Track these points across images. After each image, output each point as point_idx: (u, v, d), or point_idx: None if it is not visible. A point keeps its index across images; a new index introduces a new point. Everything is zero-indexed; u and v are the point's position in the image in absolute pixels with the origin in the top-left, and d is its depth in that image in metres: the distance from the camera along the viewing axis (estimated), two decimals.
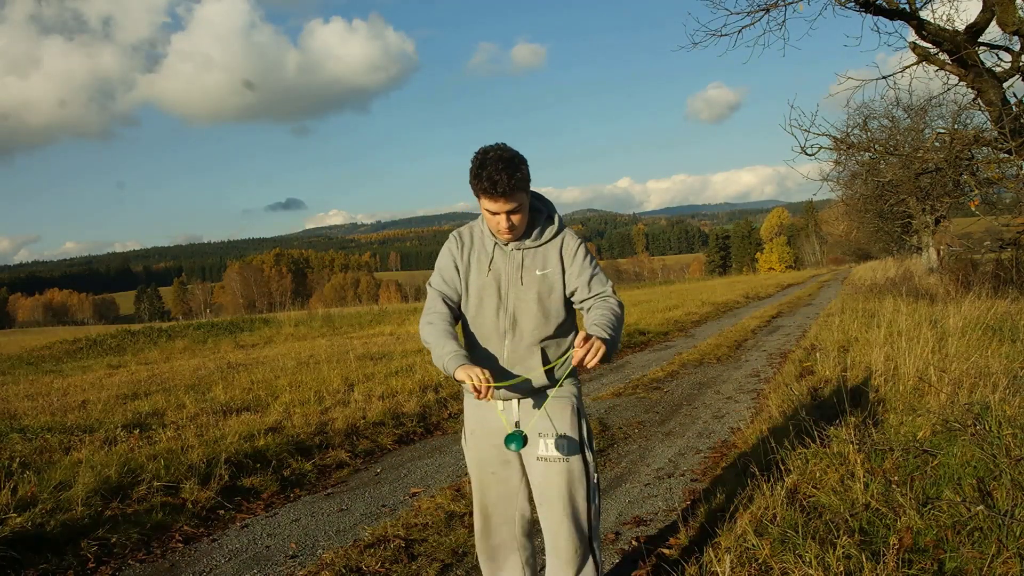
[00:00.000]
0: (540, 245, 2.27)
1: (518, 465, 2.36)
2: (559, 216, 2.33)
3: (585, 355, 1.98)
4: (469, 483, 4.29)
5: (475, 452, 2.40)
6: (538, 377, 2.24)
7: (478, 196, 2.16)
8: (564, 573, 2.31)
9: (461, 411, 6.42)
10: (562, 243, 2.29)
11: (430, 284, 2.35)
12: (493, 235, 2.27)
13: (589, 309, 2.27)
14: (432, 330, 2.24)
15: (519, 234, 2.24)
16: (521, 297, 2.25)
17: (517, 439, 2.09)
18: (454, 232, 2.39)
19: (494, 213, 2.15)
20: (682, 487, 4.25)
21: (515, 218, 2.17)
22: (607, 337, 2.07)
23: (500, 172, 2.07)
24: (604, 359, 2.02)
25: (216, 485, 4.41)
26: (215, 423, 5.80)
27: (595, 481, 2.33)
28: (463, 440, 2.47)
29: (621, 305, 2.26)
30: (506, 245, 2.27)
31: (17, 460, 4.47)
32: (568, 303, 2.30)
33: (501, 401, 2.29)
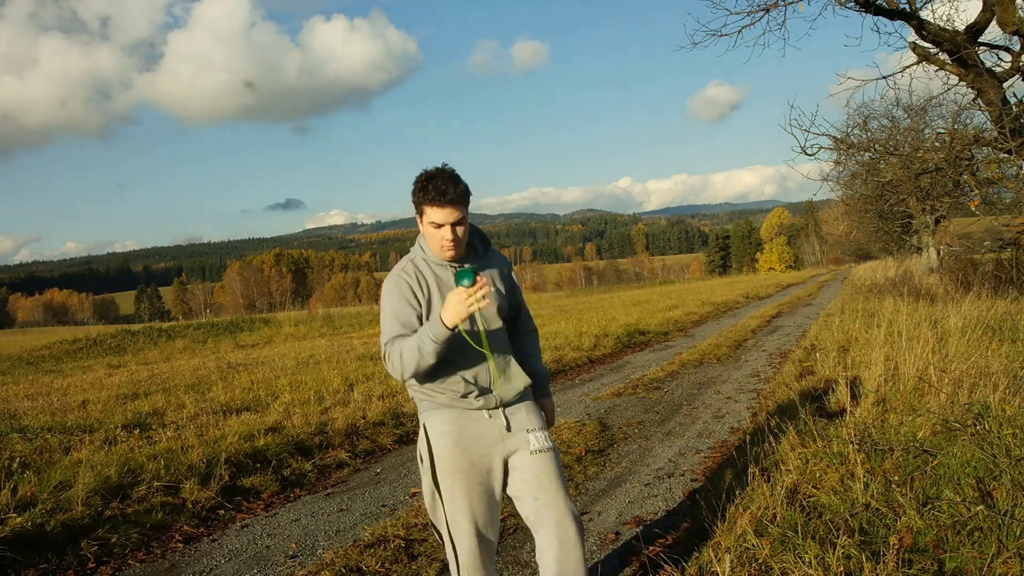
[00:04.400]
0: (484, 262, 2.42)
1: (501, 473, 2.33)
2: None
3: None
4: None
5: (463, 464, 2.29)
6: (525, 381, 2.39)
7: (423, 209, 2.22)
8: (575, 555, 2.27)
9: None
10: (501, 264, 2.48)
11: (388, 340, 2.25)
12: (436, 259, 2.30)
13: (521, 338, 2.55)
14: (396, 348, 2.22)
15: (462, 250, 2.30)
16: (489, 313, 2.36)
17: (468, 275, 2.09)
18: (396, 273, 2.32)
19: (439, 225, 2.20)
20: (682, 487, 4.25)
21: (459, 230, 2.23)
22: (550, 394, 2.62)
23: (447, 182, 2.18)
24: None
25: (216, 485, 4.41)
26: (215, 423, 5.81)
27: None
28: (426, 465, 2.33)
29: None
30: (451, 264, 2.30)
31: (17, 460, 4.47)
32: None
33: (487, 411, 2.32)
